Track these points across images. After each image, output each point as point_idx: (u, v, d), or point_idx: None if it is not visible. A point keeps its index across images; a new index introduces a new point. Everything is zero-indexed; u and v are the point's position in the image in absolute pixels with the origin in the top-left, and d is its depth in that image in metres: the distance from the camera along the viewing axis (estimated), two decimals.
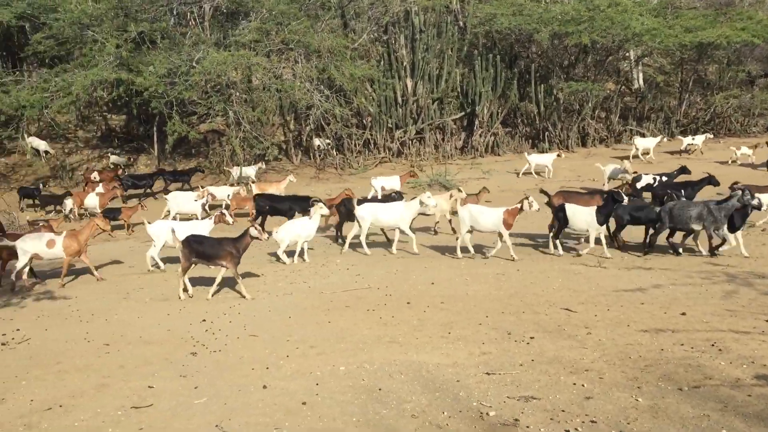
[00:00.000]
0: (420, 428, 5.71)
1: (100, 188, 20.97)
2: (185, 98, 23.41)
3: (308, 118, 27.04)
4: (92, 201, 19.72)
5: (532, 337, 8.03)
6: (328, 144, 27.15)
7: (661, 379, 6.56)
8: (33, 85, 23.56)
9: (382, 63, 27.96)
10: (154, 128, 26.78)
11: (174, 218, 17.27)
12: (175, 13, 26.13)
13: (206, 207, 18.19)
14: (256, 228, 11.28)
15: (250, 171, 24.00)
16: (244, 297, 10.82)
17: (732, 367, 6.79)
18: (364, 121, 27.95)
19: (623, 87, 32.71)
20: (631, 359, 7.17)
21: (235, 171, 23.87)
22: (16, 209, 21.03)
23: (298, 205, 16.29)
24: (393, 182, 20.67)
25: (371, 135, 27.40)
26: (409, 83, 27.76)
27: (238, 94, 24.73)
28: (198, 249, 11.09)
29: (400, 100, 27.56)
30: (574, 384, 6.57)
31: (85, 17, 23.79)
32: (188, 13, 26.46)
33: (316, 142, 27.18)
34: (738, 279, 10.47)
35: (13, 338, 9.27)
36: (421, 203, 13.79)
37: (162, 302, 10.96)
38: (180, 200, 18.35)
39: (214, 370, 7.57)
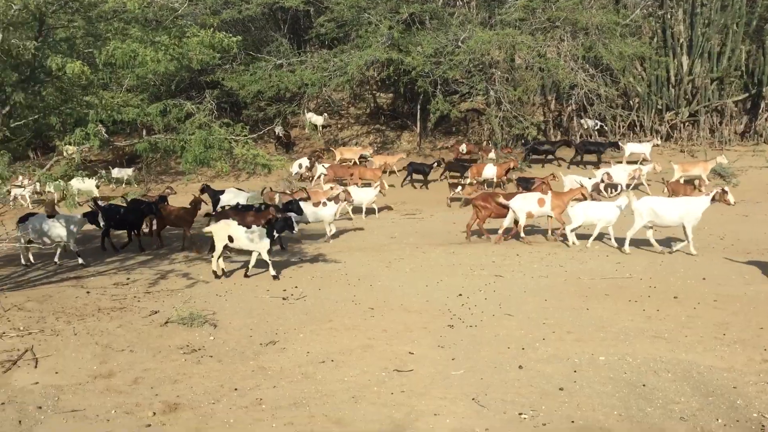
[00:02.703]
0: None
1: (492, 154, 22.62)
2: (449, 77, 23.93)
3: (570, 99, 26.22)
4: (490, 172, 20.36)
5: None
6: (596, 125, 25.93)
7: None
8: (314, 65, 25.65)
9: (655, 40, 26.11)
10: (418, 106, 27.78)
11: None
12: None
13: (603, 187, 17.72)
14: None
15: (644, 148, 22.53)
16: None
17: None
18: (631, 101, 26.39)
19: None
20: None
21: (628, 148, 22.70)
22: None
23: None
24: None
25: (638, 116, 25.83)
26: (685, 61, 25.59)
27: (499, 73, 24.72)
28: None
29: (673, 79, 25.56)
30: None
31: (363, 0, 25.30)
32: None
33: (587, 122, 26.05)
34: None
35: (292, 294, 10.29)
36: None
37: (421, 273, 11.40)
38: (570, 179, 17.98)
39: (471, 344, 7.72)
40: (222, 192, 17.23)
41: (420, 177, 22.42)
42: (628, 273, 10.75)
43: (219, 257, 11.45)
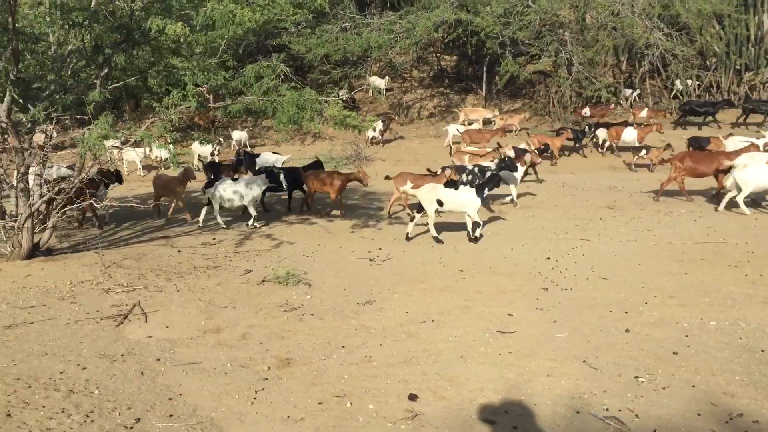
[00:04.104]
0: None
1: (644, 113, 22.04)
2: (518, 38, 23.41)
3: (643, 59, 25.40)
4: (630, 135, 19.47)
5: None
6: (689, 86, 24.92)
7: None
8: (380, 27, 25.37)
9: None
10: (484, 69, 27.34)
11: None
12: None
13: None
14: None
15: None
16: None
17: None
18: (708, 62, 25.44)
19: None
20: None
21: None
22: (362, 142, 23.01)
23: None
24: None
25: (714, 77, 24.91)
26: (766, 19, 24.49)
27: (569, 34, 24.04)
28: None
29: (753, 38, 24.50)
30: None
31: None
32: None
33: (682, 82, 25.11)
34: None
35: (378, 256, 10.33)
36: None
37: (504, 236, 11.33)
38: (735, 141, 16.57)
39: (570, 307, 7.64)
40: (258, 155, 17.21)
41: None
42: (722, 238, 10.46)
43: (432, 223, 11.27)
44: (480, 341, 6.69)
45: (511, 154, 14.97)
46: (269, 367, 6.12)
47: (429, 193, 11.10)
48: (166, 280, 8.89)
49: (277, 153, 17.98)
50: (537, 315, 7.45)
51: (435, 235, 11.21)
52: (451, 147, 21.01)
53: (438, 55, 30.50)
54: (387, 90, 29.16)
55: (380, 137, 23.29)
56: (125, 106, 23.23)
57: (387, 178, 13.18)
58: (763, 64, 24.44)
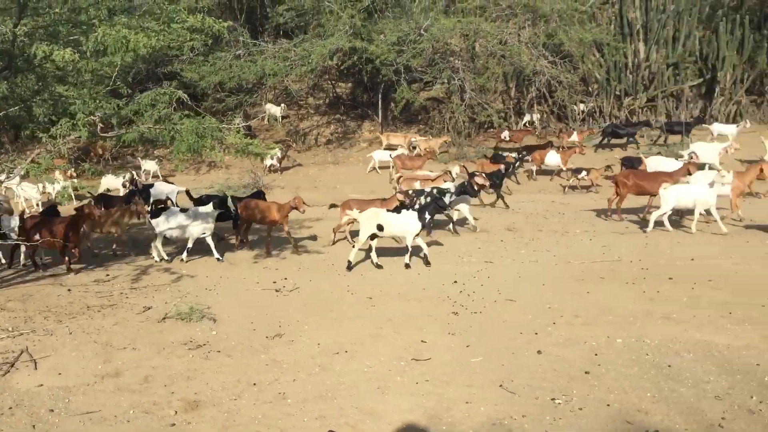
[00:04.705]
0: (729, 411, 5.36)
1: (574, 136, 22.31)
2: (412, 66, 23.84)
3: (530, 86, 26.45)
4: (553, 159, 19.30)
5: None
6: (589, 108, 26.10)
7: None
8: (275, 54, 25.18)
9: (612, 26, 26.56)
10: (380, 95, 27.62)
11: None
12: None
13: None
14: None
15: (731, 129, 20.69)
16: None
17: None
18: (590, 88, 26.82)
19: None
20: None
21: (715, 128, 21.10)
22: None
23: None
24: None
25: (596, 102, 26.28)
26: (642, 48, 26.14)
27: (461, 62, 24.73)
28: None
29: (631, 65, 26.06)
30: None
31: None
32: None
33: (580, 106, 26.10)
34: None
35: (284, 286, 10.05)
36: None
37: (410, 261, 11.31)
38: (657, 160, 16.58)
39: (481, 331, 7.67)
40: (151, 186, 16.57)
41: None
42: (617, 256, 10.88)
43: (359, 247, 11.05)
44: (396, 370, 6.58)
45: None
46: (176, 412, 5.75)
47: (370, 218, 10.99)
48: (57, 322, 8.27)
49: (171, 183, 17.33)
50: (449, 340, 7.42)
51: (352, 260, 11.06)
52: (391, 174, 20.03)
53: (333, 82, 30.58)
54: (283, 117, 28.93)
55: (278, 165, 23.00)
56: (4, 137, 21.83)
57: (332, 206, 12.92)
58: (640, 90, 26.00)
